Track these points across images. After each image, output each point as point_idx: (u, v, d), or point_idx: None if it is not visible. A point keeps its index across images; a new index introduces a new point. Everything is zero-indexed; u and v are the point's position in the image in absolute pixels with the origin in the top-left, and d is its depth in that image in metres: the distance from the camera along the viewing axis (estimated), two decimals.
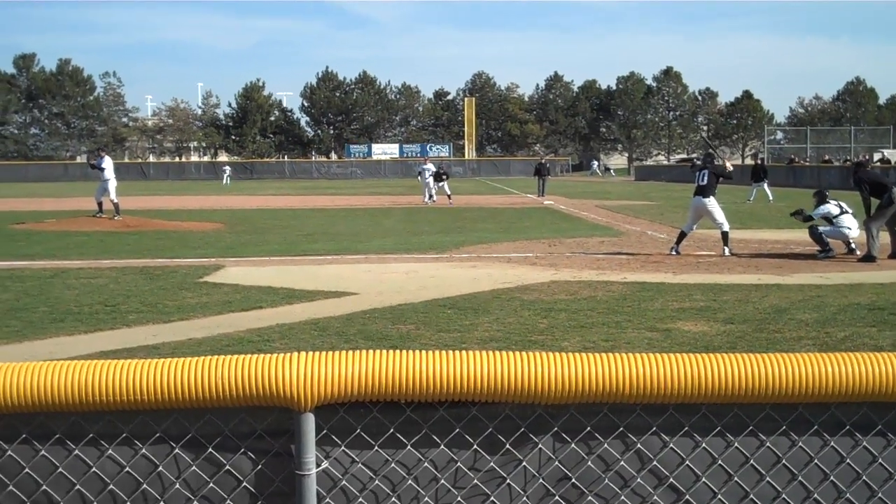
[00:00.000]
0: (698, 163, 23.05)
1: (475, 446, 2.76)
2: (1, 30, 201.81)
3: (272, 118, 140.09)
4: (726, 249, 20.75)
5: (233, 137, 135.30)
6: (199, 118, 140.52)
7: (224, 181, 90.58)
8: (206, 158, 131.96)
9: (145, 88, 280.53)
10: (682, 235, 21.37)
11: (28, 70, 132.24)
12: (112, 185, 32.99)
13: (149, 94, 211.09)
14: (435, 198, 46.78)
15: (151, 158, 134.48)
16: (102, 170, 33.20)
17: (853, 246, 20.55)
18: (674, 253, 20.80)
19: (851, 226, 20.63)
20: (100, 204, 33.58)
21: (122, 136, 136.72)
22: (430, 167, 48.95)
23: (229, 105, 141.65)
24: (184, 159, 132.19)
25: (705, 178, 21.11)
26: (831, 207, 20.95)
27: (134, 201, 47.95)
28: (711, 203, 21.01)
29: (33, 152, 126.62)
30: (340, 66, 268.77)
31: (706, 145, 23.77)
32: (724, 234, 20.98)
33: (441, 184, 47.01)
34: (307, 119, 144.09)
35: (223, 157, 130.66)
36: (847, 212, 20.75)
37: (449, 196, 45.92)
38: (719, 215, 21.03)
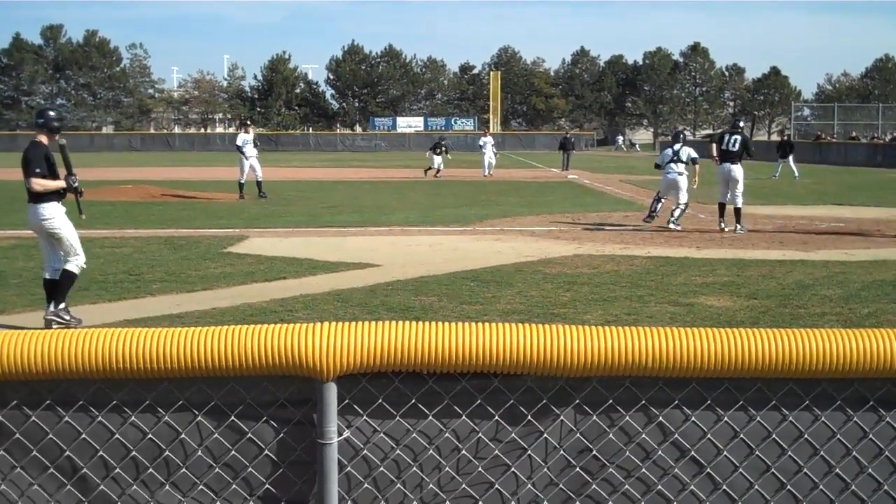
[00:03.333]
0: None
1: (497, 417, 2.76)
2: (29, 2, 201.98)
3: (297, 91, 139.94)
4: (739, 227, 20.37)
5: (258, 109, 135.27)
6: (225, 90, 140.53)
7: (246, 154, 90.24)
8: (231, 130, 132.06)
9: (171, 60, 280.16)
10: (722, 207, 20.92)
11: (55, 41, 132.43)
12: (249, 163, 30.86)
13: (175, 65, 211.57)
14: (440, 169, 46.41)
15: (177, 130, 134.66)
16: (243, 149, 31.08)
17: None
18: (724, 228, 20.41)
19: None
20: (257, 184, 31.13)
21: (147, 108, 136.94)
22: (490, 139, 48.76)
23: (255, 77, 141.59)
24: (209, 131, 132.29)
25: (736, 143, 20.66)
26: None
27: (159, 172, 48.11)
28: (739, 171, 20.62)
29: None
30: (366, 39, 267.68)
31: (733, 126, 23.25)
32: (738, 211, 20.58)
33: (439, 157, 46.73)
34: (332, 92, 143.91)
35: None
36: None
37: (438, 171, 45.86)
38: (741, 186, 20.64)
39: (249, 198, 30.14)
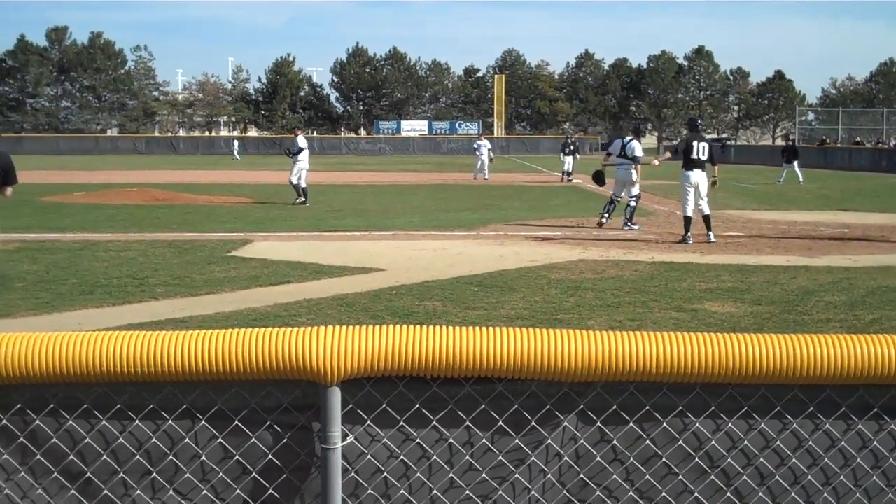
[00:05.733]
0: (729, 143, 22.65)
1: (500, 423, 2.76)
2: (34, 3, 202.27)
3: (302, 93, 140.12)
4: (711, 235, 19.49)
5: (262, 112, 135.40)
6: (229, 93, 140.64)
7: (235, 156, 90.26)
8: (235, 133, 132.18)
9: (176, 63, 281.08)
10: (688, 221, 19.76)
11: (60, 43, 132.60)
12: (299, 166, 30.33)
13: (179, 68, 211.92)
14: (571, 171, 46.95)
15: (181, 132, 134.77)
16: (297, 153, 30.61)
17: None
18: (690, 242, 19.16)
19: None
20: (296, 188, 30.56)
21: (152, 110, 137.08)
22: (486, 143, 49.07)
23: (259, 80, 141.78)
24: (213, 133, 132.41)
25: (706, 151, 19.81)
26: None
27: (163, 175, 48.15)
28: (704, 178, 19.81)
29: (64, 125, 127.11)
30: (371, 42, 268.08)
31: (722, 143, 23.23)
32: (707, 218, 19.70)
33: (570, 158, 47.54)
34: (337, 95, 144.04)
35: (252, 132, 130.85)
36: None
37: (569, 175, 46.76)
38: (706, 192, 19.87)
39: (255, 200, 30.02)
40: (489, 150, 48.57)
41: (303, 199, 29.94)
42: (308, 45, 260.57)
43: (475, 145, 49.79)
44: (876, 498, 2.84)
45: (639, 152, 22.35)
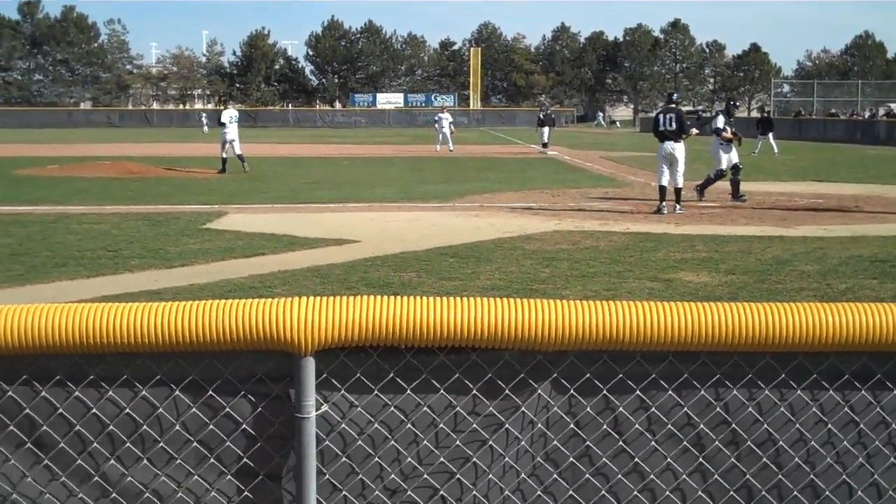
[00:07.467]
0: (705, 115, 22.75)
1: (474, 391, 2.76)
2: None
3: (277, 67, 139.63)
4: (678, 206, 19.74)
5: (237, 86, 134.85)
6: (204, 66, 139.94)
7: (203, 129, 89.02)
8: (210, 106, 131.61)
9: (150, 36, 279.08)
10: (662, 190, 20.01)
11: (32, 16, 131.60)
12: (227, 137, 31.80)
13: (153, 41, 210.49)
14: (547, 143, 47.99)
15: (155, 106, 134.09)
16: (223, 124, 32.13)
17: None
18: (664, 212, 19.48)
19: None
20: (226, 161, 31.94)
21: (126, 84, 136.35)
22: (447, 116, 49.26)
23: (234, 53, 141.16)
24: (188, 107, 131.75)
25: (672, 122, 19.96)
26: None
27: (138, 148, 47.90)
28: (681, 150, 19.96)
29: (37, 98, 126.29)
30: (346, 14, 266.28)
31: (728, 106, 23.10)
32: (678, 191, 19.93)
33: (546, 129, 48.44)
34: (312, 68, 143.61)
35: (230, 106, 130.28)
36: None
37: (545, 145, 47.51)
38: (682, 167, 19.98)
39: (233, 174, 30.36)
40: (450, 122, 48.86)
41: (242, 167, 31.32)
42: (283, 19, 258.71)
43: (436, 118, 50.21)
44: (848, 461, 2.86)
45: (718, 124, 22.44)
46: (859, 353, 2.76)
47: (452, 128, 48.99)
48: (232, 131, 31.72)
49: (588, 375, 2.78)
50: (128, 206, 20.65)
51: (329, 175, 31.37)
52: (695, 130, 21.46)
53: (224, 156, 31.74)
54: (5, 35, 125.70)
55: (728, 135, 21.75)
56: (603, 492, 2.86)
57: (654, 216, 18.98)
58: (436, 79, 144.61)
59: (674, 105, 21.01)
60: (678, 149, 19.89)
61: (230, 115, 32.42)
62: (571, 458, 2.83)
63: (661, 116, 20.44)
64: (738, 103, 23.60)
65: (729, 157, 22.01)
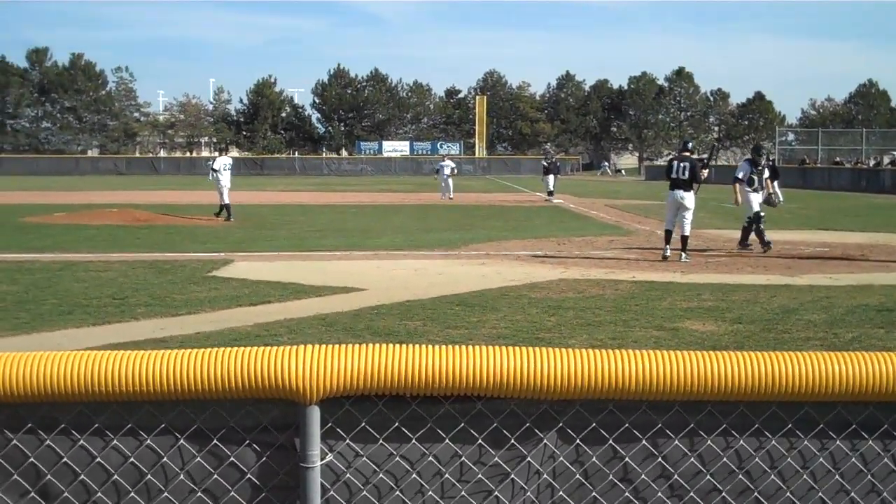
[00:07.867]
0: (705, 159, 22.75)
1: (480, 441, 2.75)
2: (14, 24, 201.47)
3: (283, 114, 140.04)
4: (684, 255, 19.75)
5: (244, 133, 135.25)
6: (211, 114, 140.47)
7: (209, 176, 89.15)
8: (216, 154, 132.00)
9: (157, 84, 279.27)
10: (668, 234, 20.22)
11: (41, 64, 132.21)
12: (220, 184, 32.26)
13: (161, 89, 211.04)
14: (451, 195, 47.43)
15: (162, 153, 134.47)
16: (216, 171, 32.67)
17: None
18: (668, 254, 19.79)
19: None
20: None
21: (133, 131, 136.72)
22: (448, 163, 49.41)
23: (241, 101, 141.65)
24: (194, 154, 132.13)
25: (685, 171, 20.06)
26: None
27: (145, 196, 48.05)
28: (690, 199, 20.03)
29: (45, 146, 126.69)
30: (352, 63, 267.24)
31: (712, 148, 23.28)
32: (685, 238, 19.95)
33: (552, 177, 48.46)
34: (318, 116, 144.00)
35: (234, 153, 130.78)
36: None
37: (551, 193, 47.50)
38: (690, 215, 20.09)
39: (235, 221, 30.50)
40: (452, 168, 49.13)
41: (226, 216, 31.64)
42: (289, 67, 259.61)
43: (437, 166, 50.42)
44: None
45: (738, 173, 22.89)
46: (866, 402, 2.75)
47: (455, 172, 49.17)
48: (225, 178, 32.11)
49: (594, 425, 2.77)
50: (134, 253, 20.68)
51: (335, 223, 31.41)
52: (705, 173, 21.29)
53: (226, 202, 31.98)
54: (13, 83, 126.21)
55: (704, 174, 21.50)
56: None
57: (661, 264, 18.96)
58: (442, 126, 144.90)
59: (688, 153, 21.06)
60: (688, 198, 19.95)
61: (223, 162, 32.96)
62: None
63: (675, 163, 20.49)
64: (764, 151, 22.92)
65: (758, 201, 22.21)
